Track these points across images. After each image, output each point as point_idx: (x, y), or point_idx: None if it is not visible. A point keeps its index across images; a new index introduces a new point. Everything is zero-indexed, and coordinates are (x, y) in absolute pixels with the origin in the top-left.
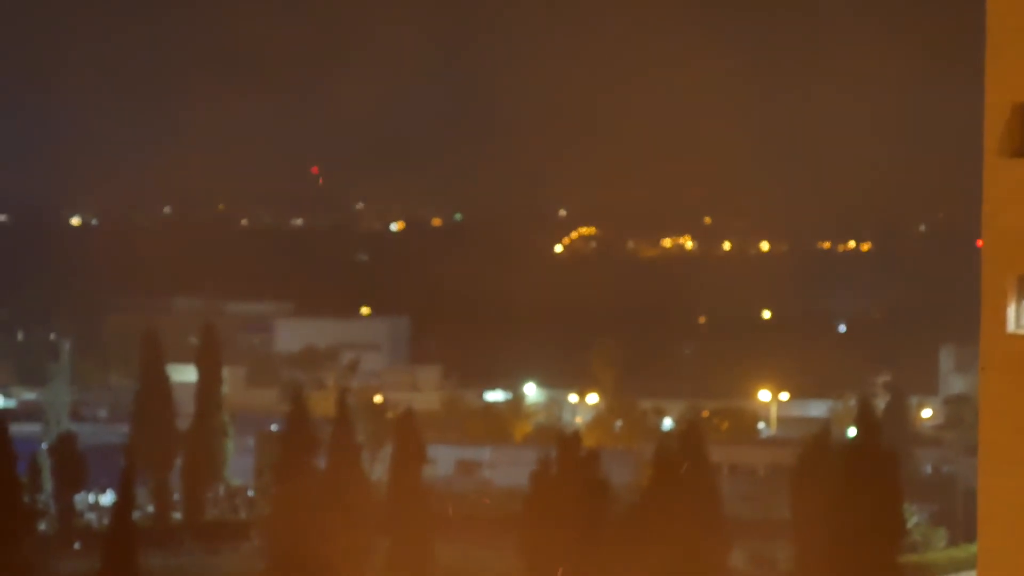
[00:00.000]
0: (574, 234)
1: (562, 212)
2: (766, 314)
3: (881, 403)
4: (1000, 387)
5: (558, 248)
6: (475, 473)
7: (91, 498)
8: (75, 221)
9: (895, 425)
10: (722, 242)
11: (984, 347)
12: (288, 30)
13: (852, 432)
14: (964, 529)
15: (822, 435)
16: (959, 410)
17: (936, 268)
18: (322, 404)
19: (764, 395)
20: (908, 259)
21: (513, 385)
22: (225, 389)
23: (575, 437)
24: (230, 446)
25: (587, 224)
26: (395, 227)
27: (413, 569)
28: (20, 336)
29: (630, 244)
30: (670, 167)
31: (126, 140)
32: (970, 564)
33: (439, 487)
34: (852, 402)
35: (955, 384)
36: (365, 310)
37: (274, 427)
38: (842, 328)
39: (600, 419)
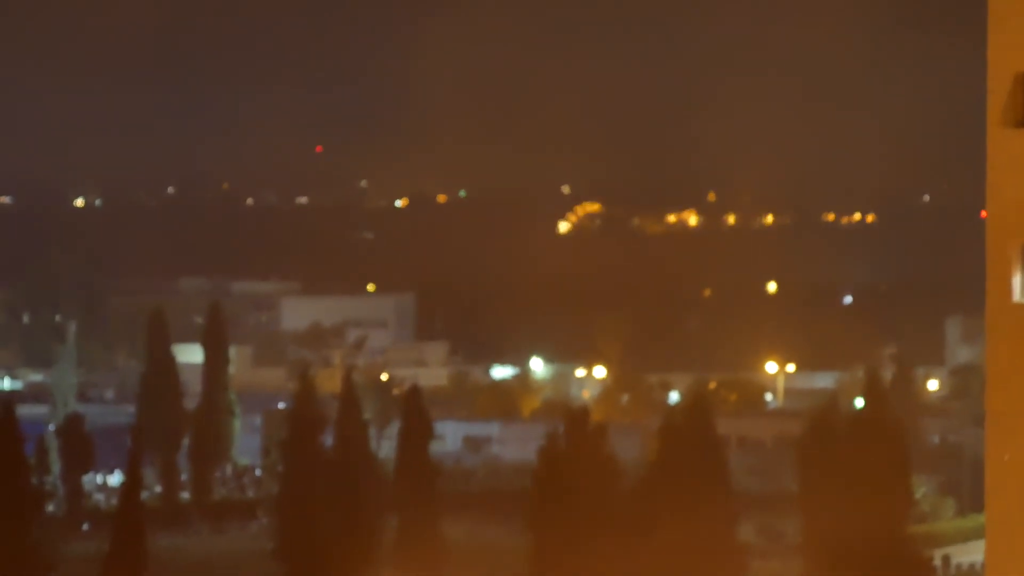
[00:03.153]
0: (579, 210)
1: (565, 189)
2: (771, 286)
3: (888, 374)
4: (1006, 357)
5: (563, 225)
6: (483, 449)
7: (99, 479)
8: (79, 202)
9: (902, 396)
10: (726, 216)
11: (989, 317)
12: (292, 8)
13: (859, 403)
14: (972, 499)
15: (829, 407)
16: (966, 380)
17: (941, 239)
18: (329, 382)
19: (771, 367)
20: (913, 230)
21: (520, 360)
22: (231, 368)
23: (583, 412)
24: (237, 425)
25: (591, 201)
26: (400, 204)
27: (421, 546)
28: (26, 318)
29: (635, 220)
30: (673, 143)
31: (129, 121)
32: (978, 534)
33: (447, 463)
34: (859, 373)
35: (961, 354)
36: (371, 287)
37: (281, 405)
38: (848, 300)
39: (607, 393)
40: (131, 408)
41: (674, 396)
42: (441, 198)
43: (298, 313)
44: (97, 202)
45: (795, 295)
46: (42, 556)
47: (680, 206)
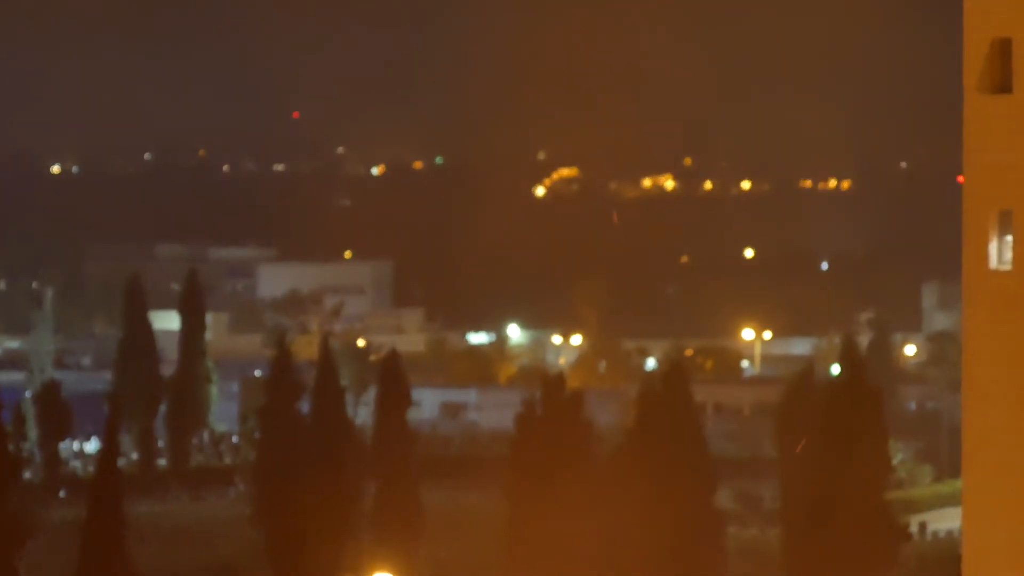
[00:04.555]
0: (555, 175)
1: (541, 155)
2: (748, 253)
3: (865, 340)
4: (983, 323)
5: (540, 190)
6: (460, 415)
7: (76, 446)
8: (55, 169)
9: (879, 362)
10: (703, 182)
11: (966, 283)
12: None
13: (836, 370)
14: (949, 465)
15: (806, 373)
16: (943, 347)
17: (918, 205)
18: (306, 349)
19: (748, 334)
20: (889, 196)
21: (497, 327)
22: (208, 335)
23: (559, 378)
24: (214, 392)
25: (567, 166)
26: (376, 171)
27: (399, 513)
28: (3, 285)
29: (611, 185)
30: (648, 108)
31: (105, 87)
32: (955, 499)
33: (424, 430)
34: (836, 340)
35: (938, 321)
36: (348, 254)
37: (258, 372)
38: (824, 266)
39: (584, 360)
40: (108, 375)
41: (651, 363)
42: (418, 165)
43: (275, 280)
44: (74, 169)
45: (772, 261)
46: (19, 523)
47: (656, 171)
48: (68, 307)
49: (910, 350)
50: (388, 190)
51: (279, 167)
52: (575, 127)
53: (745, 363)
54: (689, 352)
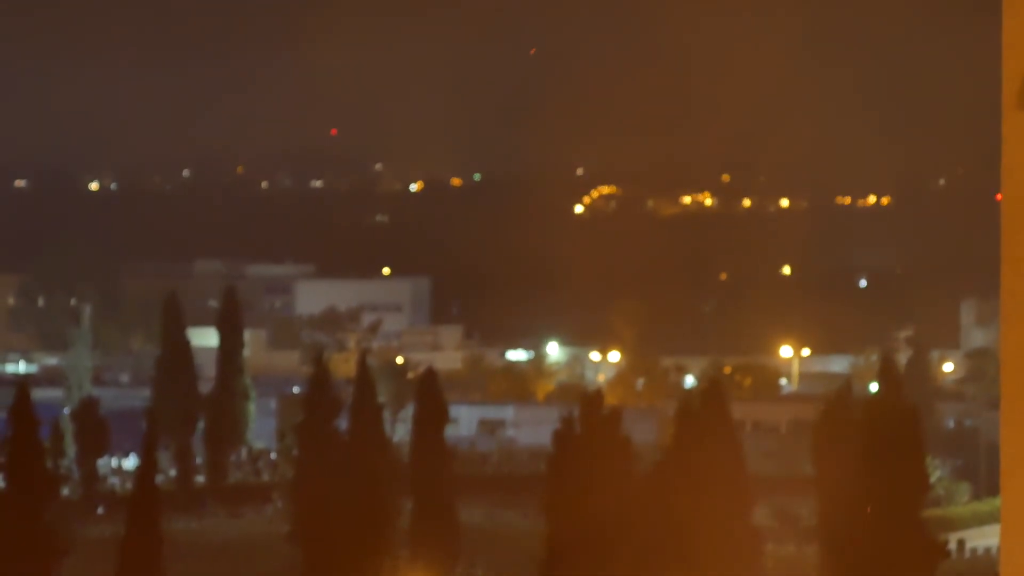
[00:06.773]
0: (594, 193)
1: (580, 172)
2: (787, 270)
3: (903, 358)
4: (1021, 340)
5: (579, 208)
6: (498, 432)
7: (114, 463)
8: (94, 186)
9: (917, 380)
10: (741, 199)
11: (1004, 301)
12: None
13: (874, 387)
14: (987, 483)
15: (844, 391)
16: (981, 364)
17: (956, 222)
18: (344, 365)
19: (786, 351)
20: (928, 213)
21: (535, 344)
22: (246, 352)
23: (597, 395)
24: (252, 409)
25: (606, 183)
26: (414, 187)
27: (436, 530)
28: (41, 302)
29: (650, 203)
30: (687, 125)
31: (143, 104)
32: (994, 518)
33: (462, 447)
34: (874, 357)
35: (977, 338)
36: (386, 271)
37: (296, 389)
38: (863, 283)
39: (622, 377)
40: (146, 392)
41: (689, 380)
42: (456, 181)
43: (313, 297)
44: (112, 185)
45: (810, 278)
46: (57, 539)
47: (695, 188)
48: (106, 324)
49: (948, 367)
50: (426, 207)
51: (317, 184)
52: (614, 144)
53: (783, 380)
54: (727, 369)
